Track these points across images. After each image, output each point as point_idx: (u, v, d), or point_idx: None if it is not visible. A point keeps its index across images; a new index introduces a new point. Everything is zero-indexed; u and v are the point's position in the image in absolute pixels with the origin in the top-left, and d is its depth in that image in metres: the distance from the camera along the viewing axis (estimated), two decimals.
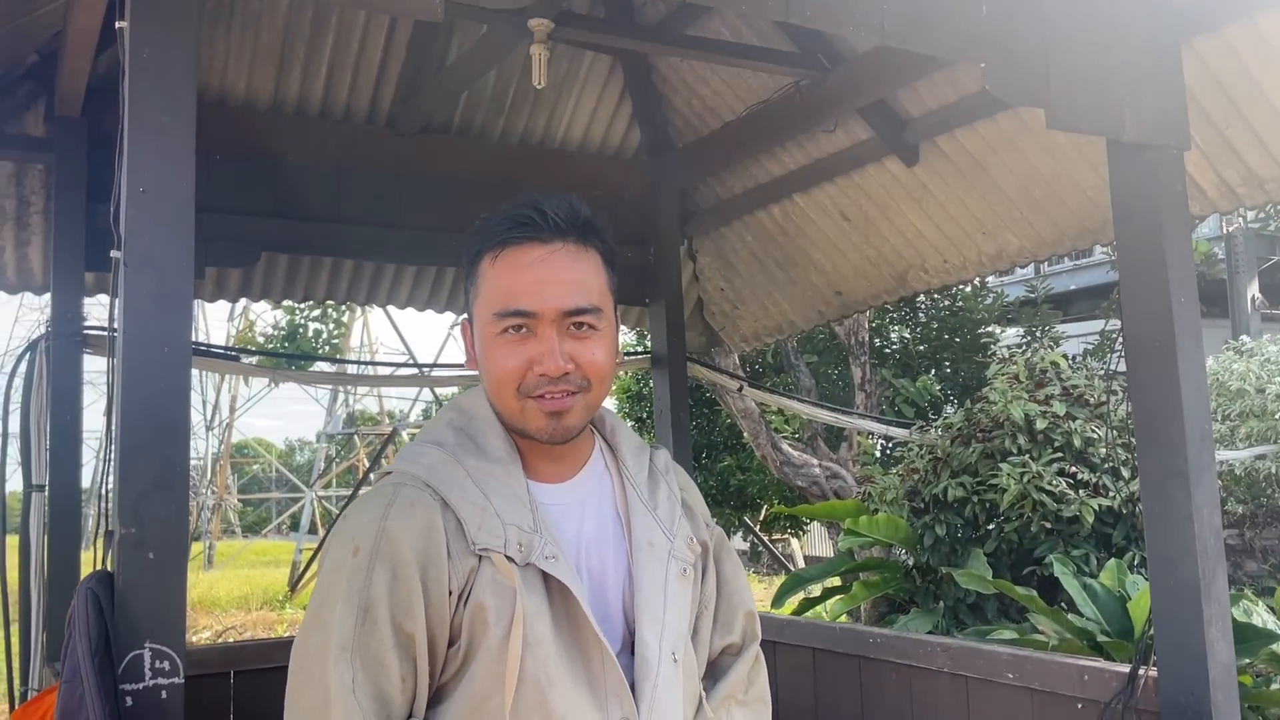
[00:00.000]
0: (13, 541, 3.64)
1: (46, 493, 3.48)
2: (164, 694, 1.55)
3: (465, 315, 1.49)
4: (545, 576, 1.35)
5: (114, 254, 1.60)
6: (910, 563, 5.21)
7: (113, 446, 1.66)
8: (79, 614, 1.49)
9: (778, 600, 5.24)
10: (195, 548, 25.76)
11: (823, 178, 4.39)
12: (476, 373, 1.47)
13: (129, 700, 1.53)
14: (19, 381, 3.54)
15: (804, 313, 5.13)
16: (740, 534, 15.07)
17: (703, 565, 1.58)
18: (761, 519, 13.54)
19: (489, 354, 1.41)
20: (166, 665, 1.55)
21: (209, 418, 30.59)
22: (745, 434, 9.20)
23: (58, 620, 3.43)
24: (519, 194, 1.44)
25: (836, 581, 5.84)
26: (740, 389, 5.36)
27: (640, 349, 6.07)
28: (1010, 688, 2.94)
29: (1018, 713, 2.93)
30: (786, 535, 15.53)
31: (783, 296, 5.11)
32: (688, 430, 4.55)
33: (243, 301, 4.62)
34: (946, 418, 5.36)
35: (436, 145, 4.32)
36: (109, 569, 1.58)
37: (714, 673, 1.61)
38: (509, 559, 1.33)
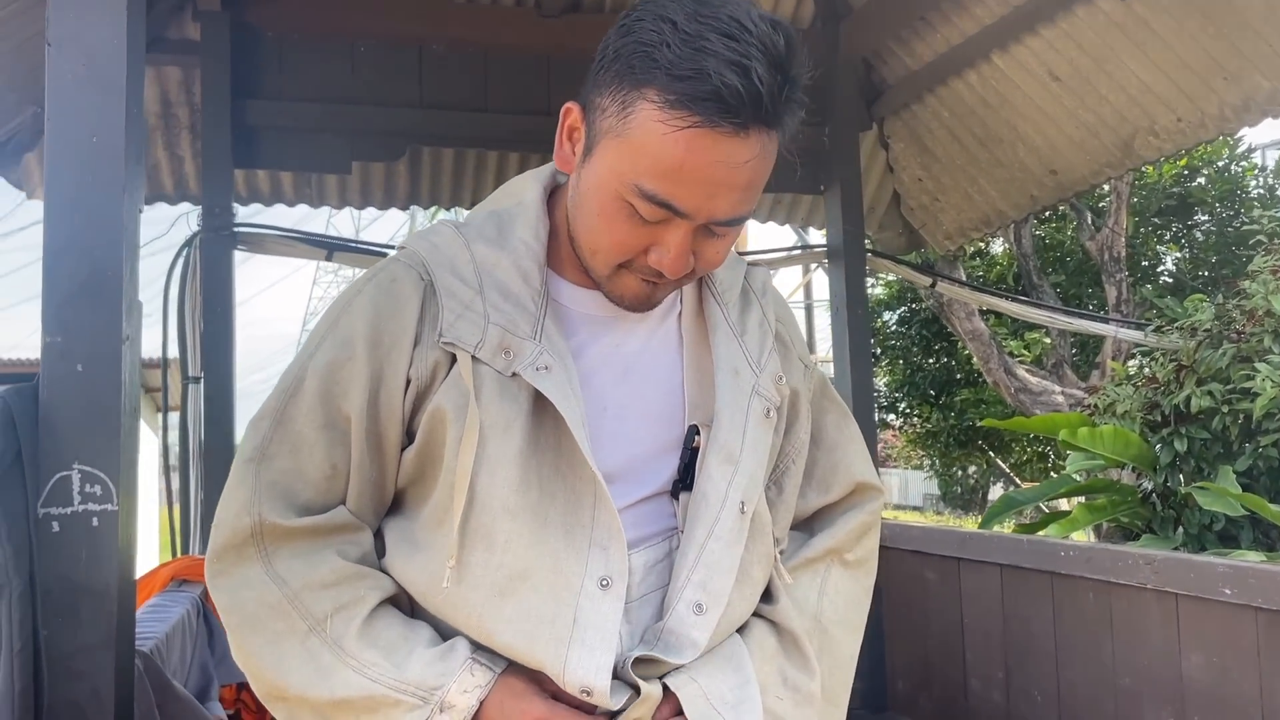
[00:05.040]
0: None
1: (202, 384, 3.54)
2: (95, 521, 1.38)
3: (580, 101, 1.09)
4: (537, 391, 1.09)
5: (47, 42, 1.43)
6: (1148, 485, 4.50)
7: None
8: None
9: (985, 526, 4.68)
10: None
11: (1024, 29, 3.77)
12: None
13: (55, 525, 1.37)
14: (176, 278, 3.60)
15: (1014, 199, 4.50)
16: (1000, 483, 14.05)
17: (793, 414, 1.28)
18: (1013, 462, 12.56)
19: (601, 209, 1.07)
20: (98, 490, 1.38)
21: None
22: (975, 359, 8.47)
23: (214, 502, 3.54)
24: (722, 7, 0.98)
25: (1065, 507, 5.18)
26: (933, 284, 4.78)
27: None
28: (1228, 605, 2.37)
29: (1239, 635, 2.36)
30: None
31: (988, 182, 4.50)
32: (867, 332, 4.07)
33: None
34: (1192, 316, 4.55)
35: (587, 25, 4.05)
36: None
37: (810, 527, 1.34)
38: (476, 359, 1.09)
